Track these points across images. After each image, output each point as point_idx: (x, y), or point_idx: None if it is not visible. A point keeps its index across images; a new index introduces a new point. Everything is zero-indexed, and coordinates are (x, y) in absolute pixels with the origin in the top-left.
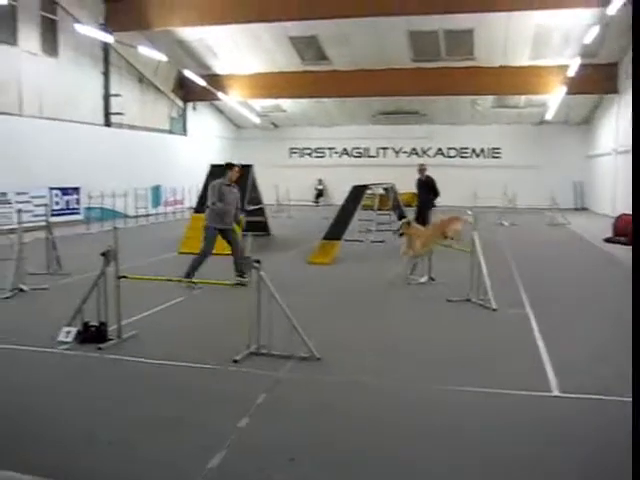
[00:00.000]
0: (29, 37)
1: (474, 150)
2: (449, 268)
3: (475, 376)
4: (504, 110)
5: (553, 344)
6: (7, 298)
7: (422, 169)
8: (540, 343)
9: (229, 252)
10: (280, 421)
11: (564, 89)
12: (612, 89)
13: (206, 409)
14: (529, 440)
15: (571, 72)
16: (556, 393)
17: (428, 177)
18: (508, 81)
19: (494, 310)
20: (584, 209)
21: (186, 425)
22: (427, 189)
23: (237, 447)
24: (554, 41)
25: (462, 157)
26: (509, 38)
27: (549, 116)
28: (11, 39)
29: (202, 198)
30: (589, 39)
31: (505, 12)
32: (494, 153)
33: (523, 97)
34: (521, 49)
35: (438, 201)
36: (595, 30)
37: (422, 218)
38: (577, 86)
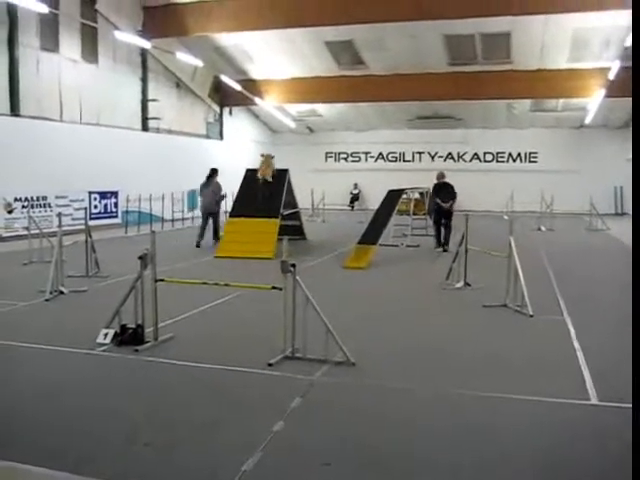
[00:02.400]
0: (70, 44)
1: (511, 154)
2: (485, 273)
3: (511, 383)
4: (541, 114)
5: (591, 352)
6: (47, 300)
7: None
8: (578, 351)
9: (266, 256)
10: (315, 425)
11: (603, 92)
12: None
13: (241, 412)
14: (563, 446)
15: (611, 75)
16: (594, 402)
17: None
18: (545, 85)
19: (531, 316)
20: (624, 214)
21: (221, 427)
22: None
23: (272, 450)
24: (593, 44)
25: (499, 162)
26: (546, 41)
27: (588, 120)
28: (53, 46)
29: (237, 202)
30: (630, 42)
31: (542, 15)
32: (531, 157)
33: (561, 101)
34: (559, 52)
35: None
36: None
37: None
38: (617, 89)
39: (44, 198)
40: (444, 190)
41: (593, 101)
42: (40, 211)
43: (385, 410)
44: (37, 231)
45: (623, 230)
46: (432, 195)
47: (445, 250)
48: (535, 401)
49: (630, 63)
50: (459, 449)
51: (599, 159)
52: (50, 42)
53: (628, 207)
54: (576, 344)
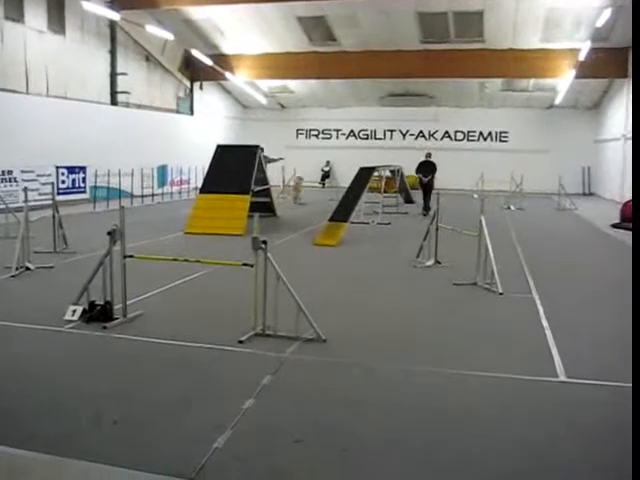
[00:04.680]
0: (36, 14)
1: (482, 133)
2: (455, 252)
3: (480, 360)
4: (513, 94)
5: (559, 329)
6: (13, 277)
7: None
8: (546, 328)
9: (236, 233)
10: (285, 402)
11: (574, 73)
12: (623, 73)
13: (211, 389)
14: (532, 423)
15: (582, 56)
16: (562, 379)
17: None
18: (517, 64)
19: (500, 294)
20: (591, 194)
21: (192, 405)
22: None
23: (242, 428)
24: (565, 24)
25: (469, 140)
26: (519, 21)
27: (558, 100)
28: (17, 16)
29: (207, 178)
30: (601, 22)
31: None
32: (502, 137)
33: (532, 81)
34: (531, 32)
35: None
36: (607, 13)
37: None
38: (587, 70)
39: (9, 172)
40: (425, 166)
41: (563, 82)
42: (5, 186)
43: (355, 387)
44: (2, 206)
45: (591, 210)
46: (416, 170)
47: (425, 215)
48: (503, 378)
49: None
50: (427, 427)
51: (568, 139)
52: (14, 11)
53: (595, 187)
54: (544, 322)
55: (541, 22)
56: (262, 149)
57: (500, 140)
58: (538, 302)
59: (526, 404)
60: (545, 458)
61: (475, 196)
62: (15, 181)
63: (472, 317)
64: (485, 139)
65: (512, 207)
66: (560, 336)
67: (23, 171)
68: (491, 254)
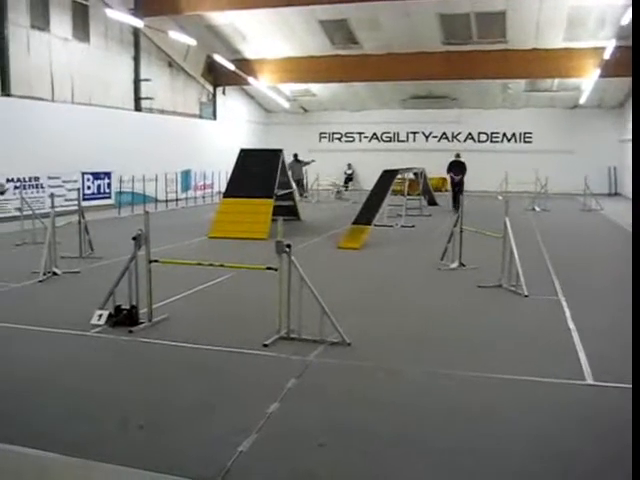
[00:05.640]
0: (61, 22)
1: (505, 135)
2: (480, 254)
3: (506, 364)
4: (536, 94)
5: (586, 331)
6: (40, 282)
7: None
8: (573, 331)
9: (260, 237)
10: (310, 406)
11: (598, 72)
12: None
13: (236, 393)
14: (559, 427)
15: (606, 54)
16: (590, 382)
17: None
18: (541, 64)
19: (526, 296)
20: (617, 194)
21: (216, 409)
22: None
23: (267, 431)
24: (589, 23)
25: (493, 142)
26: (542, 20)
27: (583, 100)
28: (43, 24)
29: (231, 182)
30: (626, 20)
31: None
32: (526, 138)
33: (556, 80)
34: (554, 31)
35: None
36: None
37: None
38: (612, 69)
39: (36, 179)
40: (456, 166)
41: (588, 81)
42: (32, 192)
43: (381, 391)
44: (30, 212)
45: (617, 210)
46: (447, 170)
47: (456, 210)
48: (530, 381)
49: (626, 42)
50: (453, 431)
51: (593, 139)
52: (40, 20)
53: (621, 187)
54: (571, 324)
55: (565, 21)
56: (296, 155)
57: (524, 141)
58: (564, 304)
59: (552, 408)
60: (571, 464)
61: (499, 197)
62: (42, 187)
63: (497, 319)
64: (509, 140)
65: (537, 208)
66: (587, 338)
67: (49, 177)
68: (516, 256)
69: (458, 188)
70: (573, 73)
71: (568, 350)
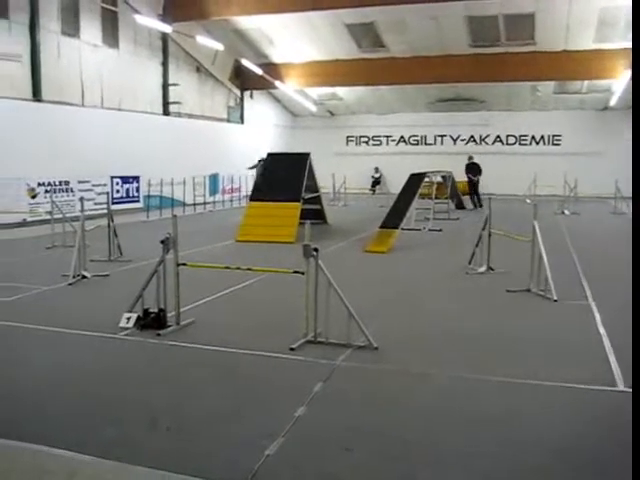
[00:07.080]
0: (91, 29)
1: (534, 137)
2: (508, 258)
3: (535, 369)
4: (566, 96)
5: (617, 336)
6: (70, 284)
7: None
8: (604, 336)
9: (287, 240)
10: (336, 410)
11: (629, 73)
12: None
13: (263, 397)
14: (589, 434)
15: None
16: (621, 388)
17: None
18: (571, 66)
19: (555, 301)
20: None
21: (244, 412)
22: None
23: (294, 435)
24: (620, 23)
25: (521, 144)
26: (572, 22)
27: (613, 102)
28: (73, 31)
29: (257, 186)
30: None
31: None
32: (555, 140)
33: (586, 82)
34: (584, 32)
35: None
36: None
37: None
38: None
39: (66, 183)
40: (472, 167)
41: (619, 82)
42: (63, 196)
43: (408, 395)
44: (60, 216)
45: None
46: (465, 171)
47: (481, 206)
48: (560, 387)
49: None
50: (481, 437)
51: (624, 141)
52: (71, 27)
53: None
54: (602, 329)
55: (595, 22)
56: None
57: (553, 143)
58: (595, 309)
59: (582, 414)
60: (602, 474)
61: (528, 201)
62: (72, 191)
63: (525, 324)
64: (537, 143)
65: (566, 212)
66: (618, 344)
67: (79, 181)
68: (545, 260)
69: (476, 188)
70: (604, 75)
71: (599, 355)
